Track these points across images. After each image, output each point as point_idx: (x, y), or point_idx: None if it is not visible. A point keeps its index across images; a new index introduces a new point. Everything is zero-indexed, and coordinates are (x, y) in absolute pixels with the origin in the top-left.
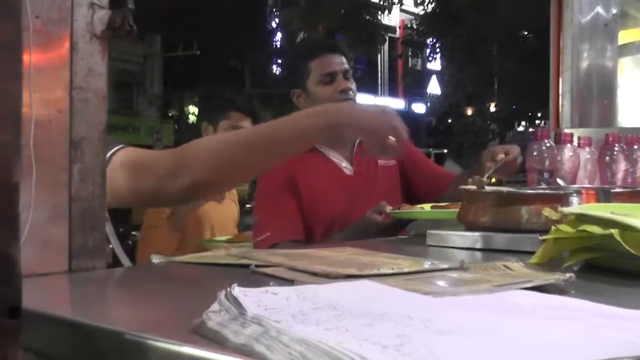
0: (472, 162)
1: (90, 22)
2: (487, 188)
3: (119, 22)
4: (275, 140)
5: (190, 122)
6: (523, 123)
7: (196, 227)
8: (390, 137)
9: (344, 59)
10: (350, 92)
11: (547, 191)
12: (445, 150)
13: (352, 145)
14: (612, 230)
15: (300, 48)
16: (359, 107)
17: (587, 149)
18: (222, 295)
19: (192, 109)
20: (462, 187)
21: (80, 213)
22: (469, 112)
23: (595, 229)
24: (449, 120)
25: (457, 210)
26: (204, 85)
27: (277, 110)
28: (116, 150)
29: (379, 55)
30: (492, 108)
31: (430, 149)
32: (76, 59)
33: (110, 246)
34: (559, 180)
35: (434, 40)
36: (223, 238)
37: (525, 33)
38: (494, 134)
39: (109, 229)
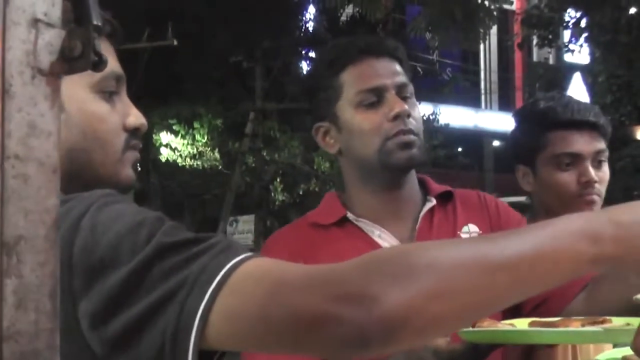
0: None
1: (33, 51)
2: None
3: (78, 48)
4: (519, 265)
5: (165, 160)
6: None
7: None
8: None
9: (397, 67)
10: (411, 120)
11: None
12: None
13: (414, 216)
14: None
15: (326, 52)
16: None
17: None
18: None
19: (167, 138)
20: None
21: (17, 358)
22: None
23: None
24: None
25: (596, 330)
26: (185, 98)
27: (308, 138)
28: (242, 260)
29: (482, 44)
30: None
31: None
32: (10, 110)
33: None
34: None
35: (579, 16)
36: None
37: None
38: None
39: None
